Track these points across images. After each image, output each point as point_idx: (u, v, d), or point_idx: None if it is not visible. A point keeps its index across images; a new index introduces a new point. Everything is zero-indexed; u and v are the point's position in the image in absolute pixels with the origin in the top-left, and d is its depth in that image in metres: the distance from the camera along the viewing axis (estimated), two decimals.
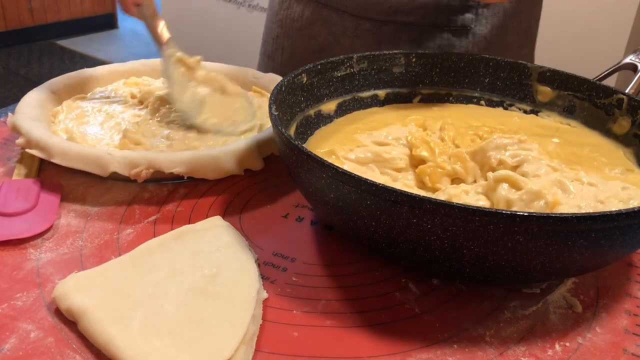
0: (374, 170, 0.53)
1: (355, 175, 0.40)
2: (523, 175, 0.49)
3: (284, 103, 0.56)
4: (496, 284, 0.47)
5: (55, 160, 0.55)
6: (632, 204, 0.47)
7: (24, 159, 0.61)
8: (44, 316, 0.41)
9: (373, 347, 0.40)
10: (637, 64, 0.67)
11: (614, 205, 0.47)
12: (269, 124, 0.66)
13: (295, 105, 0.59)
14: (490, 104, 0.68)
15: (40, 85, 0.68)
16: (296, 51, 0.87)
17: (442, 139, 0.57)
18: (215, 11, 2.75)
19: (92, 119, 0.65)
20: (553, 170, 0.51)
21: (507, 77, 0.67)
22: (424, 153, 0.54)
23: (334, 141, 0.57)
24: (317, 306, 0.44)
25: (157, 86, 0.73)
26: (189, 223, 0.52)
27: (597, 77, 0.66)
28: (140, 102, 0.70)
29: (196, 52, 0.71)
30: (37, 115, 0.62)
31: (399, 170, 0.54)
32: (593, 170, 0.53)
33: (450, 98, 0.69)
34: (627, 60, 0.68)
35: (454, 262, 0.41)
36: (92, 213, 0.53)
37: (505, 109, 0.67)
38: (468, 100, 0.68)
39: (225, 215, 0.54)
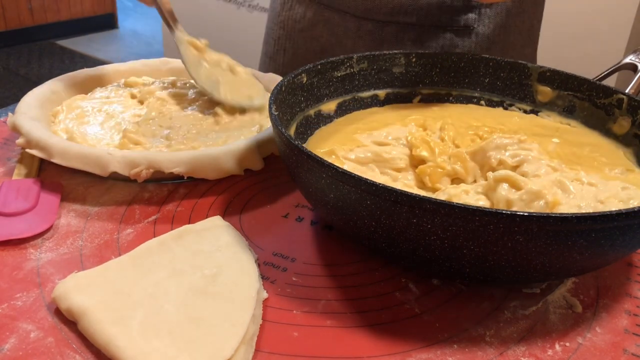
0: (374, 170, 0.53)
1: (355, 175, 0.39)
2: (523, 175, 0.49)
3: (284, 103, 0.56)
4: (496, 284, 0.47)
5: (55, 160, 0.55)
6: (632, 204, 0.47)
7: (24, 158, 0.61)
8: (44, 316, 0.41)
9: (373, 347, 0.40)
10: (637, 64, 0.67)
11: (614, 205, 0.47)
12: (269, 124, 0.66)
13: (295, 105, 0.59)
14: (490, 104, 0.68)
15: (40, 85, 0.68)
16: (298, 52, 0.87)
17: (442, 139, 0.57)
18: (215, 11, 2.75)
19: (92, 119, 0.65)
20: (553, 170, 0.51)
21: (507, 77, 0.67)
22: (424, 153, 0.54)
23: (334, 141, 0.57)
24: (317, 306, 0.44)
25: (157, 86, 0.73)
26: (189, 223, 0.52)
27: (597, 77, 0.66)
28: (140, 102, 0.70)
29: None
30: (37, 115, 0.62)
31: (399, 170, 0.54)
32: (593, 170, 0.53)
33: (450, 98, 0.69)
34: (627, 60, 0.68)
35: (454, 262, 0.41)
36: (92, 213, 0.53)
37: (505, 109, 0.67)
38: (468, 100, 0.68)
39: (225, 215, 0.54)
